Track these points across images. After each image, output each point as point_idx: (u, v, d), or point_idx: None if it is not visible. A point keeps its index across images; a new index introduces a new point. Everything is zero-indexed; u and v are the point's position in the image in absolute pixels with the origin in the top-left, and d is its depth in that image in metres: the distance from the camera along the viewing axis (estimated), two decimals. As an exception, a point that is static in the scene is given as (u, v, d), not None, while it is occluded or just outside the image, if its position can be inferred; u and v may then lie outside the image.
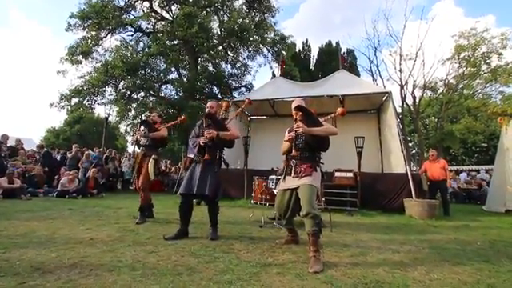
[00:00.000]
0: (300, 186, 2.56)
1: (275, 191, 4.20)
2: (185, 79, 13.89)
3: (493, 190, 7.72)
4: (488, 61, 13.51)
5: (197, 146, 3.14)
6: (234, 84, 15.23)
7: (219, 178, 3.19)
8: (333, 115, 2.96)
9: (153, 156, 3.93)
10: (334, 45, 20.90)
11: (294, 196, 2.69)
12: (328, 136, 2.66)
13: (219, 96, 14.79)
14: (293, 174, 2.68)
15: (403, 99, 13.96)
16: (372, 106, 8.88)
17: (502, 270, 2.35)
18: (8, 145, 8.35)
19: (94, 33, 12.49)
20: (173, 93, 14.61)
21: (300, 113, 2.69)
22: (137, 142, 4.24)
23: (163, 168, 10.68)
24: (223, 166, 3.33)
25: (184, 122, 4.35)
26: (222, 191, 3.30)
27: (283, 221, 2.92)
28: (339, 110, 2.93)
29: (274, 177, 4.24)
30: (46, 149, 9.41)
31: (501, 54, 13.26)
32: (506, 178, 6.88)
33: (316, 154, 2.74)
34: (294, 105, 2.78)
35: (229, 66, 15.58)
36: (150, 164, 3.89)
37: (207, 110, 3.28)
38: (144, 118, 12.30)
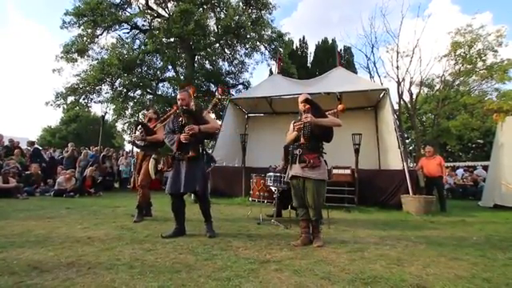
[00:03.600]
0: (310, 179, 2.79)
1: (273, 188, 4.21)
2: (182, 77, 13.81)
3: (487, 185, 7.82)
4: (484, 58, 13.57)
5: (175, 142, 3.05)
6: (231, 81, 15.20)
7: (206, 173, 3.15)
8: (335, 110, 3.11)
9: (153, 156, 3.95)
10: (330, 42, 20.86)
11: (303, 184, 2.87)
12: (333, 127, 2.88)
13: (216, 94, 14.74)
14: (299, 163, 2.85)
15: (400, 96, 13.99)
16: (369, 103, 8.90)
17: (497, 264, 2.38)
18: (5, 144, 8.29)
19: (89, 30, 12.38)
20: (170, 91, 14.54)
21: (308, 105, 2.88)
22: (133, 144, 4.25)
23: (161, 166, 10.64)
24: (217, 164, 3.31)
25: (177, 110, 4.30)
26: (209, 186, 3.28)
27: (300, 211, 3.01)
28: (340, 106, 3.10)
29: (271, 174, 4.23)
30: (36, 146, 9.23)
31: (496, 51, 13.33)
32: (500, 173, 6.95)
33: (320, 145, 2.94)
34: (301, 98, 2.97)
35: (226, 63, 15.55)
36: (151, 164, 3.90)
37: (179, 102, 3.15)
38: (140, 118, 12.24)
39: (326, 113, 3.02)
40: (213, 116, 3.27)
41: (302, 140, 2.84)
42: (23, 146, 9.11)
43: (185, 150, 3.04)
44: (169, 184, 3.12)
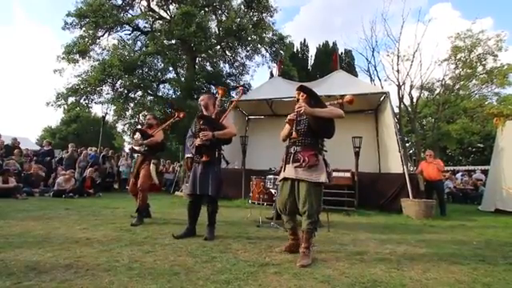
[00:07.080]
0: (304, 181, 2.36)
1: (273, 191, 4.20)
2: (182, 78, 13.82)
3: (487, 189, 7.80)
4: (484, 62, 13.64)
5: (194, 147, 3.16)
6: (232, 84, 15.20)
7: (220, 177, 3.22)
8: (340, 101, 2.65)
9: (153, 161, 4.00)
10: (331, 45, 20.94)
11: (295, 187, 2.43)
12: (333, 119, 2.41)
13: (216, 96, 14.73)
14: (292, 163, 2.43)
15: (401, 99, 14.04)
16: (370, 107, 8.90)
17: (497, 269, 2.37)
18: (4, 143, 8.29)
19: (91, 31, 12.40)
20: (170, 92, 14.55)
21: (302, 93, 2.53)
22: (133, 151, 4.30)
23: (160, 168, 10.65)
24: (223, 165, 3.33)
25: (182, 119, 4.33)
26: (222, 190, 3.33)
27: (285, 217, 2.59)
28: (347, 97, 2.61)
29: (271, 176, 4.23)
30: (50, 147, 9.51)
31: (496, 55, 13.39)
32: (500, 177, 6.94)
33: (319, 141, 2.50)
34: (297, 87, 2.63)
35: (227, 65, 15.55)
36: (152, 169, 3.96)
37: (200, 102, 3.36)
38: (141, 119, 12.30)
39: (330, 102, 2.58)
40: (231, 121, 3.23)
41: (294, 134, 2.36)
42: (24, 146, 9.16)
43: (200, 153, 3.15)
44: (188, 185, 3.27)
